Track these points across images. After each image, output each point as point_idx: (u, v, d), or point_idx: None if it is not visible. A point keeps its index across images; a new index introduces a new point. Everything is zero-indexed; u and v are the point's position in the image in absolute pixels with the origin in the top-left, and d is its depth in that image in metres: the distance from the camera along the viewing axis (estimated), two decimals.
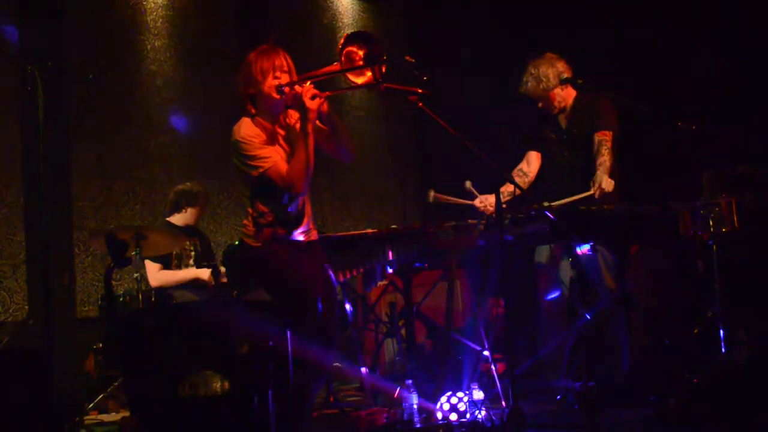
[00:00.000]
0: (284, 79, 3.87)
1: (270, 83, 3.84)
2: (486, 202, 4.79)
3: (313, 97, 3.76)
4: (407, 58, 3.89)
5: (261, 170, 3.81)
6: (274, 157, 3.82)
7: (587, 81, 4.88)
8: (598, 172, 4.63)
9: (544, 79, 4.90)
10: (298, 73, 3.93)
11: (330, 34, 7.85)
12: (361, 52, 3.81)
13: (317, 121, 3.88)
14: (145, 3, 6.82)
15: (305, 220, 4.01)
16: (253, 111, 3.90)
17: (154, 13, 6.86)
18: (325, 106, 3.84)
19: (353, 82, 3.86)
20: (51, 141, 3.91)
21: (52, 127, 3.96)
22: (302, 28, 7.71)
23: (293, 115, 3.96)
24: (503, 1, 7.06)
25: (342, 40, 3.82)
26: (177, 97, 6.88)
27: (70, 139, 6.11)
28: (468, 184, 4.74)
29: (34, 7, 6.20)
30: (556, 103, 4.97)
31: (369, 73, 3.79)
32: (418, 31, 8.01)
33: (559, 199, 4.55)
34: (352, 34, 3.86)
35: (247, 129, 3.85)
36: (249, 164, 3.83)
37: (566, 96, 4.98)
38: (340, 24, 7.95)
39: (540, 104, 5.00)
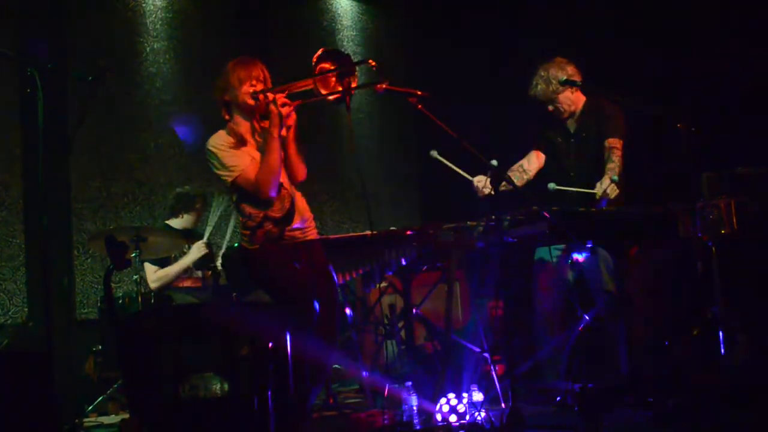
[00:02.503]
0: (259, 88, 4.01)
1: (245, 90, 4.00)
2: (484, 182, 4.78)
3: (283, 105, 3.91)
4: (370, 61, 3.99)
5: (231, 179, 3.96)
6: (241, 165, 3.94)
7: (590, 84, 4.90)
8: (606, 177, 4.66)
9: (553, 81, 4.93)
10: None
11: (329, 36, 7.85)
12: (333, 69, 3.93)
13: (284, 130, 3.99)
14: (144, 5, 6.82)
15: (297, 216, 4.04)
16: (227, 117, 4.07)
17: (153, 16, 6.86)
18: (292, 118, 3.97)
19: (325, 97, 3.96)
20: (50, 143, 3.91)
21: (52, 129, 3.96)
22: (301, 31, 7.70)
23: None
24: (505, 1, 7.06)
25: (315, 57, 3.94)
26: (176, 99, 6.89)
27: (69, 141, 6.11)
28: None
29: (34, 10, 6.21)
30: (565, 106, 4.99)
31: (339, 89, 3.90)
32: (419, 32, 8.01)
33: (563, 205, 4.56)
34: (325, 50, 3.97)
35: (216, 138, 4.01)
36: (220, 173, 3.98)
37: (576, 100, 5.00)
38: (340, 26, 7.94)
39: (550, 108, 5.02)
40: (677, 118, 4.61)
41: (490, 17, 7.11)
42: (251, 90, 3.98)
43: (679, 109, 4.71)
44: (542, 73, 4.95)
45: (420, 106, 4.03)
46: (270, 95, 3.94)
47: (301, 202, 4.10)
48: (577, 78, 4.92)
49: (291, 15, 7.69)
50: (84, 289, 6.34)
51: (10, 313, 6.03)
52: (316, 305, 3.93)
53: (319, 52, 3.93)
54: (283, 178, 4.02)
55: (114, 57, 6.56)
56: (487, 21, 7.13)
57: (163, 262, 5.68)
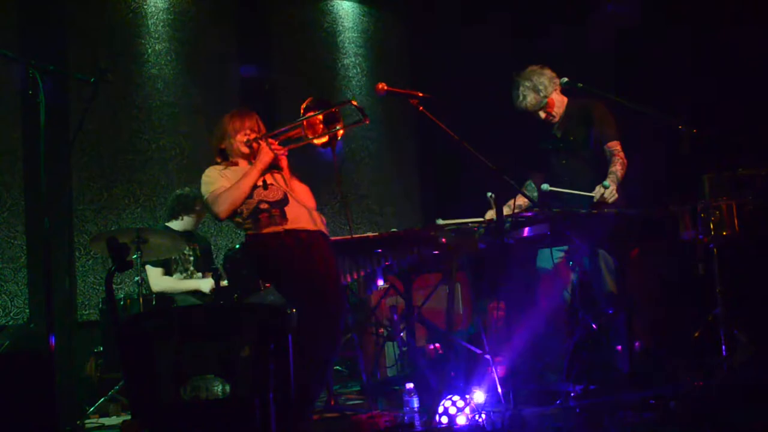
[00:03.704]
0: (253, 138, 4.27)
1: (240, 139, 4.27)
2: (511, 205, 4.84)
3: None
4: (353, 102, 4.24)
5: (204, 197, 4.22)
6: (215, 185, 4.18)
7: (585, 84, 4.92)
8: (608, 180, 4.66)
9: (542, 87, 4.94)
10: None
11: (331, 38, 7.85)
12: (320, 117, 4.23)
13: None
14: (146, 7, 6.83)
15: (301, 213, 4.18)
16: (219, 160, 4.34)
17: (155, 17, 6.87)
18: (283, 161, 4.26)
19: (313, 142, 4.25)
20: (52, 144, 3.92)
21: (53, 130, 3.97)
22: (303, 33, 7.71)
23: None
24: (506, 4, 7.06)
25: (303, 106, 4.18)
26: (177, 101, 6.90)
27: (70, 142, 6.12)
28: (490, 195, 4.77)
29: (35, 11, 6.22)
30: (557, 109, 5.00)
31: (326, 138, 4.21)
32: (419, 34, 8.01)
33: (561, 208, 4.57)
34: (313, 99, 4.22)
35: (207, 170, 4.29)
36: (204, 198, 4.27)
37: (562, 102, 5.01)
38: (341, 28, 7.94)
39: (542, 115, 5.01)
40: (679, 119, 4.61)
41: (491, 18, 7.11)
42: (245, 139, 4.24)
43: (680, 111, 4.72)
44: (527, 83, 4.97)
45: (421, 108, 4.04)
46: (262, 141, 4.21)
47: (306, 212, 4.26)
48: (556, 80, 4.94)
49: (292, 17, 7.69)
50: (85, 291, 6.35)
51: (11, 314, 6.04)
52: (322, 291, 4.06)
53: (307, 101, 4.18)
54: (278, 180, 4.24)
55: (116, 58, 6.58)
56: (488, 21, 7.13)
57: (164, 265, 5.68)
